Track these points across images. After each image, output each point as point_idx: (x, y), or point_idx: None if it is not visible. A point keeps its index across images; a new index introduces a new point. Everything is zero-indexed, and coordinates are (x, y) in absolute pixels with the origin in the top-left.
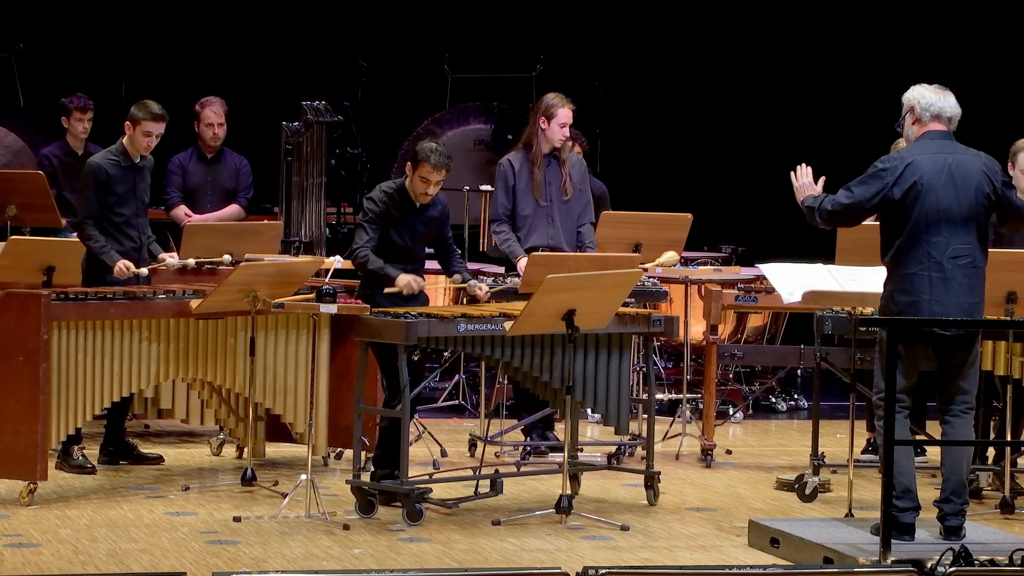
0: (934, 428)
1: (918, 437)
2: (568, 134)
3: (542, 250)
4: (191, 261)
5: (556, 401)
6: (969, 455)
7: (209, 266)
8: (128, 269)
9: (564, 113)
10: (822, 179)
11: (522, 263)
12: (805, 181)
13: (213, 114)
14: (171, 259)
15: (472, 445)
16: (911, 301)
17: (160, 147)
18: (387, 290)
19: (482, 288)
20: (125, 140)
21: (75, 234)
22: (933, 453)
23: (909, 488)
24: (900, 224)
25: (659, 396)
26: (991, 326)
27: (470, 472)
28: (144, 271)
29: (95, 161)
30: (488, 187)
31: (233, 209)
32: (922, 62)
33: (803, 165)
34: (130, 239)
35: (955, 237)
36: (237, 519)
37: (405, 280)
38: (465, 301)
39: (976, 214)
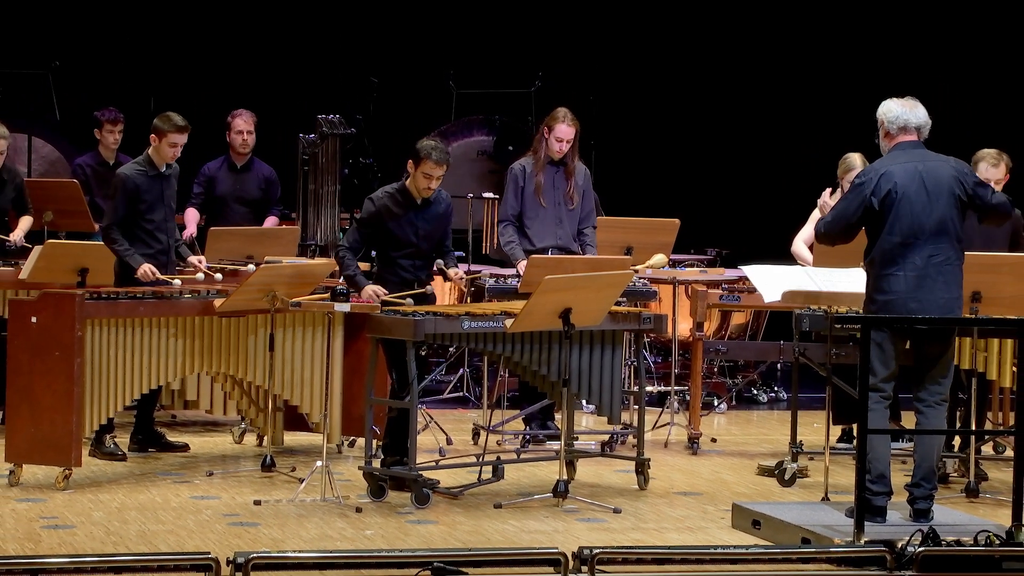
0: (909, 419)
1: (895, 426)
2: (564, 149)
3: (552, 251)
4: (226, 266)
5: (553, 393)
6: (940, 444)
7: (232, 267)
8: (153, 274)
9: (560, 128)
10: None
11: (521, 266)
12: (825, 202)
13: (243, 123)
14: (200, 269)
15: (475, 434)
16: (887, 300)
17: (189, 156)
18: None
19: (458, 274)
20: (151, 151)
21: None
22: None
23: (883, 474)
24: (878, 229)
25: (649, 388)
26: (957, 323)
27: (474, 459)
28: (177, 281)
29: (124, 172)
30: (490, 194)
31: (272, 222)
32: (901, 72)
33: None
34: (159, 242)
35: (930, 238)
36: (257, 502)
37: (368, 292)
38: (469, 300)
39: (950, 216)
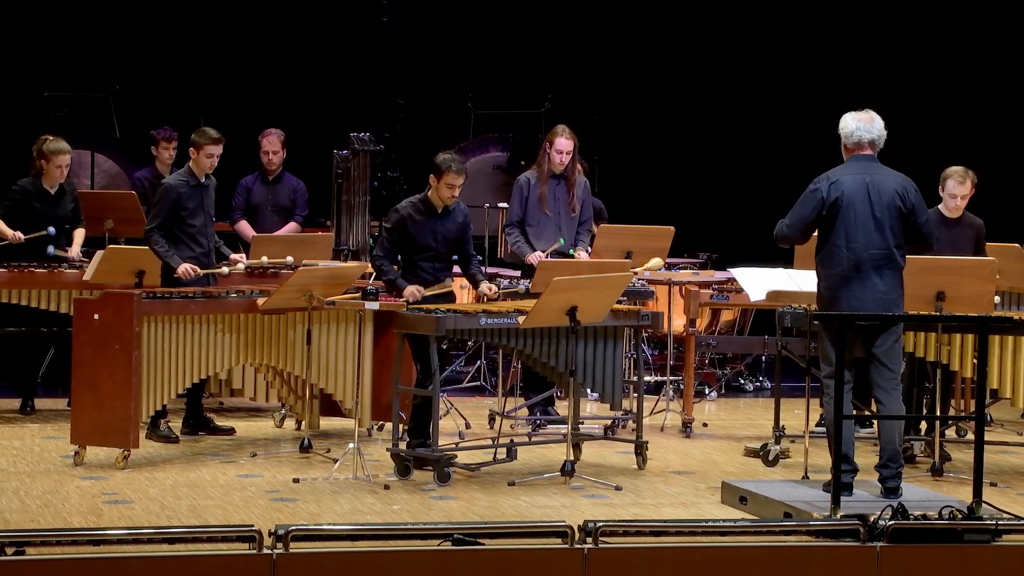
0: None
1: (862, 412)
2: (565, 160)
3: (552, 255)
4: (264, 259)
5: (561, 382)
6: (900, 426)
7: (273, 269)
8: (194, 271)
9: (559, 142)
10: None
11: (531, 257)
12: None
13: (268, 143)
14: (240, 262)
15: (491, 419)
16: (832, 296)
17: (229, 169)
18: (399, 300)
19: (491, 288)
20: (191, 163)
21: None
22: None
23: (847, 455)
24: (826, 231)
25: (647, 378)
26: (924, 320)
27: (489, 441)
28: (225, 270)
29: (170, 182)
30: (505, 204)
31: (291, 227)
32: (879, 84)
33: None
34: (200, 246)
35: (870, 243)
36: (296, 480)
37: (410, 291)
38: (485, 299)
39: (891, 224)
